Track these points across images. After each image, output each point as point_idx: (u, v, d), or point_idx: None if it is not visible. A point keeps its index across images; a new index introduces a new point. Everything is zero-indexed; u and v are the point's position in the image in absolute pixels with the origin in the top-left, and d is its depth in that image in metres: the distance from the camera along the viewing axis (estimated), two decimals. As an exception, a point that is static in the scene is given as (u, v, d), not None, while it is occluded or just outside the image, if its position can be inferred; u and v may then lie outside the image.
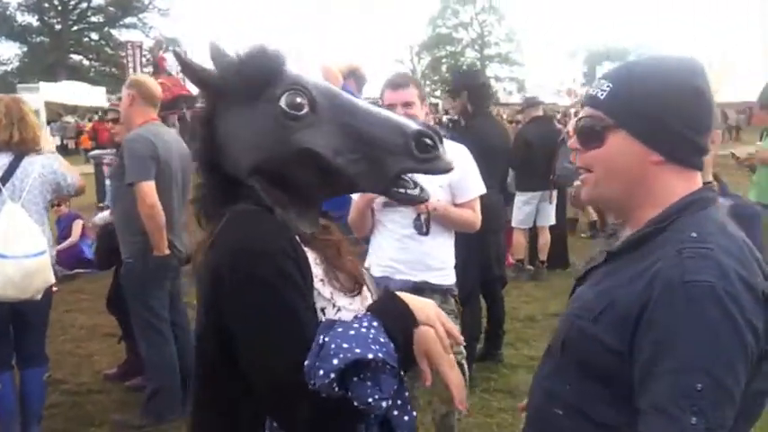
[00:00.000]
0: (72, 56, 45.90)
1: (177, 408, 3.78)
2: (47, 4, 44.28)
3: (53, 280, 3.36)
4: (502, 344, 4.78)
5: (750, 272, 1.09)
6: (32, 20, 45.13)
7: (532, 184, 6.80)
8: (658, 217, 1.20)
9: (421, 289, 2.73)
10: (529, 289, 6.65)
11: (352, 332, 1.09)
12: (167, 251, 3.64)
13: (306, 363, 1.08)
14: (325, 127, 1.22)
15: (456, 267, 3.01)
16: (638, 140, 1.20)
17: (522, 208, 6.89)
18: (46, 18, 45.10)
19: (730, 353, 1.04)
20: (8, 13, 43.25)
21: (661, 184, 1.21)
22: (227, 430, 1.23)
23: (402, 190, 1.25)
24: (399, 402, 1.11)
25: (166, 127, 4.18)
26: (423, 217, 2.81)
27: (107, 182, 6.21)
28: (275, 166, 1.22)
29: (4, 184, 3.26)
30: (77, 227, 7.53)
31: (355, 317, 1.17)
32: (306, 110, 1.21)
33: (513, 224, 6.89)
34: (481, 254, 4.25)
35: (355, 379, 1.06)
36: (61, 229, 7.48)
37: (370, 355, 1.06)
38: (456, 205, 2.91)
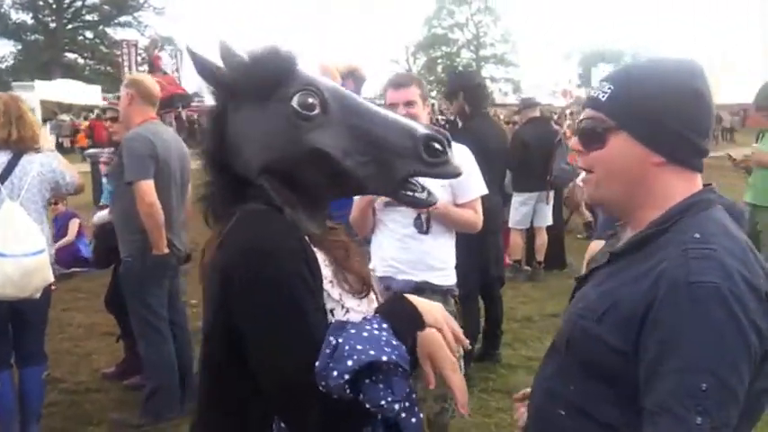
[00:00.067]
0: (67, 54, 45.79)
1: (176, 406, 3.79)
2: (41, 2, 44.14)
3: (52, 278, 3.36)
4: (500, 344, 4.80)
5: (753, 273, 1.11)
6: (27, 18, 45.04)
7: (529, 185, 6.82)
8: (661, 218, 1.21)
9: (422, 289, 2.74)
10: (526, 289, 6.67)
11: (365, 334, 1.10)
12: (166, 250, 3.65)
13: (317, 364, 1.08)
14: (335, 128, 1.22)
15: (455, 268, 3.02)
16: (639, 142, 1.21)
17: (519, 209, 6.91)
18: (40, 16, 44.96)
19: (735, 353, 1.05)
20: (2, 10, 43.14)
21: (662, 186, 1.22)
22: (235, 431, 1.23)
23: (410, 193, 1.26)
24: (407, 404, 1.11)
25: (165, 126, 4.18)
26: (423, 216, 2.83)
27: (104, 180, 6.21)
28: (286, 165, 1.22)
29: (2, 183, 3.25)
30: (74, 225, 7.52)
31: (364, 318, 1.17)
32: (317, 110, 1.21)
33: (510, 225, 6.91)
34: (480, 255, 4.26)
35: (367, 381, 1.07)
36: (58, 227, 7.46)
37: (384, 358, 1.06)
38: (457, 205, 2.92)
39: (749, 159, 5.68)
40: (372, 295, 1.32)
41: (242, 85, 1.23)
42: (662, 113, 1.20)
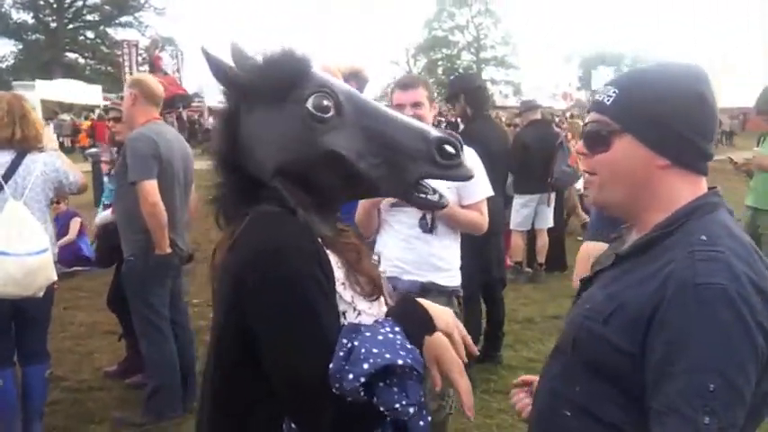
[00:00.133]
0: (67, 54, 45.80)
1: (177, 405, 3.80)
2: (42, 2, 44.16)
3: (55, 277, 3.37)
4: (501, 345, 4.81)
5: (759, 274, 1.12)
6: (28, 17, 45.04)
7: (530, 187, 6.84)
8: (666, 221, 1.22)
9: (428, 290, 2.76)
10: (527, 291, 6.68)
11: (381, 337, 1.10)
12: (169, 250, 3.65)
13: (331, 366, 1.08)
14: (349, 130, 1.22)
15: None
16: (643, 145, 1.22)
17: (521, 210, 6.92)
18: (41, 16, 44.96)
19: (742, 354, 1.06)
20: (3, 10, 43.13)
21: (666, 188, 1.23)
22: (244, 429, 1.22)
23: (422, 195, 1.26)
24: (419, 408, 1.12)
25: (169, 126, 4.19)
26: (428, 217, 2.85)
27: (105, 179, 6.23)
28: (300, 167, 1.22)
29: (6, 182, 3.26)
30: (75, 224, 7.52)
31: (377, 321, 1.18)
32: (332, 113, 1.22)
33: (512, 227, 6.92)
34: (482, 256, 4.27)
35: (381, 384, 1.07)
36: (59, 226, 7.46)
37: (400, 362, 1.07)
38: (462, 207, 2.93)
39: (750, 163, 5.69)
40: (382, 298, 1.32)
41: (256, 87, 1.23)
42: (667, 116, 1.21)
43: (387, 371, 1.07)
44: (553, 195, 7.01)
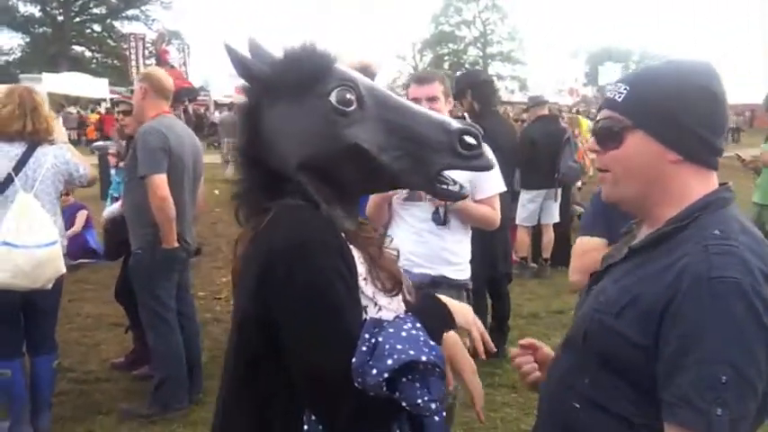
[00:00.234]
0: (74, 47, 45.87)
1: (184, 397, 3.83)
2: (49, -5, 44.24)
3: (64, 269, 3.39)
4: (506, 340, 4.82)
5: None
6: (35, 10, 45.08)
7: (537, 183, 6.84)
8: (679, 215, 1.23)
9: (438, 283, 2.77)
10: (532, 286, 6.69)
11: (404, 334, 1.11)
12: (176, 244, 3.67)
13: (354, 361, 1.08)
14: (371, 123, 1.23)
15: (466, 263, 3.04)
16: (655, 140, 1.23)
17: (527, 206, 6.92)
18: (48, 9, 45.01)
19: (754, 347, 1.07)
20: (10, 3, 43.15)
21: (678, 183, 1.24)
22: (262, 422, 1.22)
23: (444, 186, 1.27)
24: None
25: (179, 120, 4.20)
26: (441, 210, 2.86)
27: (112, 171, 6.25)
28: (322, 161, 1.23)
29: (16, 174, 3.28)
30: (81, 217, 7.55)
31: (399, 317, 1.18)
32: (354, 106, 1.22)
33: (518, 222, 6.92)
34: (488, 251, 4.28)
35: (404, 380, 1.08)
36: (66, 219, 7.48)
37: (424, 358, 1.08)
38: (475, 201, 2.94)
39: (758, 160, 5.68)
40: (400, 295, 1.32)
41: (279, 82, 1.23)
42: (678, 112, 1.21)
43: (409, 367, 1.07)
44: (560, 191, 7.01)
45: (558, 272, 7.06)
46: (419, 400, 1.08)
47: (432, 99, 2.83)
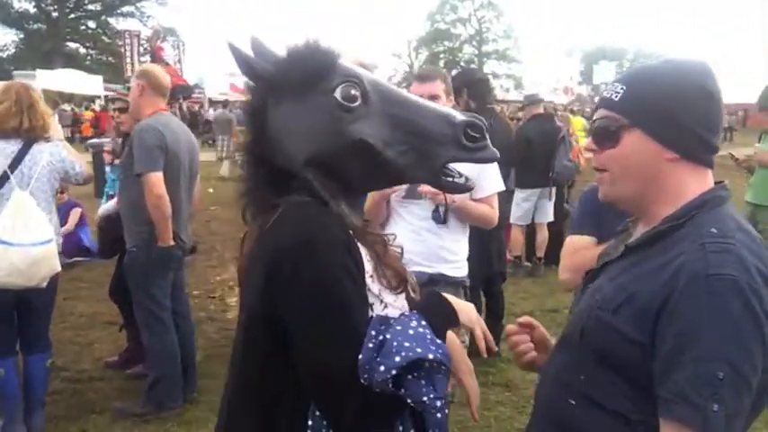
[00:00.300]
0: (68, 44, 45.72)
1: (178, 396, 3.82)
2: (43, -9, 44.06)
3: (59, 268, 3.37)
4: (500, 339, 4.82)
5: (767, 266, 1.14)
6: (29, 6, 44.93)
7: (532, 181, 6.84)
8: (676, 213, 1.23)
9: (436, 281, 2.78)
10: (526, 285, 6.70)
11: (411, 331, 1.11)
12: (172, 242, 3.66)
13: (361, 358, 1.09)
14: (376, 119, 1.23)
15: (462, 261, 3.04)
16: (652, 139, 1.23)
17: (521, 205, 6.93)
18: (43, 5, 44.86)
19: (750, 344, 1.08)
20: (4, -1, 43.02)
21: (675, 182, 1.25)
22: (268, 421, 1.22)
23: (449, 179, 1.27)
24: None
25: (175, 117, 4.19)
26: (441, 209, 2.87)
27: (107, 169, 6.22)
28: (328, 157, 1.23)
29: (12, 172, 3.26)
30: (75, 215, 7.51)
31: (404, 315, 1.19)
32: (359, 102, 1.23)
33: (512, 221, 6.91)
34: (483, 249, 4.28)
35: (410, 377, 1.08)
36: (60, 217, 7.46)
37: (431, 356, 1.08)
38: (473, 200, 2.95)
39: (752, 159, 5.70)
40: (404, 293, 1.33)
41: (284, 80, 1.24)
42: (675, 110, 1.22)
43: (416, 364, 1.08)
44: (554, 190, 7.02)
45: (551, 271, 7.06)
46: (425, 398, 1.08)
47: (433, 97, 2.83)
